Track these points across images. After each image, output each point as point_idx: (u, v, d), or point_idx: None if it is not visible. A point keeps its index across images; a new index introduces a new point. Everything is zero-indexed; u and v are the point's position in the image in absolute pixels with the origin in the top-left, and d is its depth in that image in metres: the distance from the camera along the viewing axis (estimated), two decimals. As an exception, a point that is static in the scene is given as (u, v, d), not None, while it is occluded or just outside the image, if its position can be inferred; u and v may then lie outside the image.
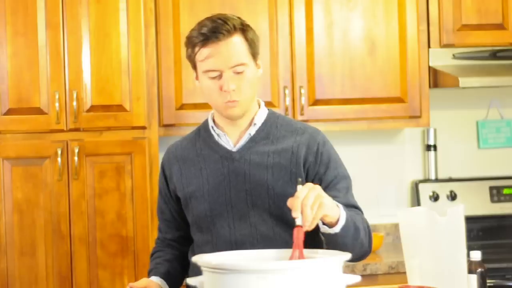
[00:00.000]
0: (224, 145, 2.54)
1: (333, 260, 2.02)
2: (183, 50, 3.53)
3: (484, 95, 4.47)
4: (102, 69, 3.70)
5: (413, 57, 4.06)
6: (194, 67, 2.52)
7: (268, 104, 3.95)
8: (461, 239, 2.33)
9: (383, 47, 4.04)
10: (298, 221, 2.15)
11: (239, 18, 2.51)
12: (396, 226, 4.25)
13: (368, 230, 2.57)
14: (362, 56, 4.04)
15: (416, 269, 2.38)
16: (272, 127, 2.56)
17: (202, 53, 2.46)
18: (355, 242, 2.45)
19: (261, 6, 3.97)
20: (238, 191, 2.49)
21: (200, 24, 2.50)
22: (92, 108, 3.70)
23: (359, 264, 3.75)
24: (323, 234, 2.40)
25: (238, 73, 2.45)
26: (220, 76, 2.45)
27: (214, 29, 2.45)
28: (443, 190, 4.34)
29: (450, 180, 4.38)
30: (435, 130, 4.40)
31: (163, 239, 2.72)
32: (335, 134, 4.33)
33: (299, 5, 3.99)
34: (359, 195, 4.33)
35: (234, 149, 2.53)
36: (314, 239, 2.51)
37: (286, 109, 3.96)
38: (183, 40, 3.90)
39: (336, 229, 2.34)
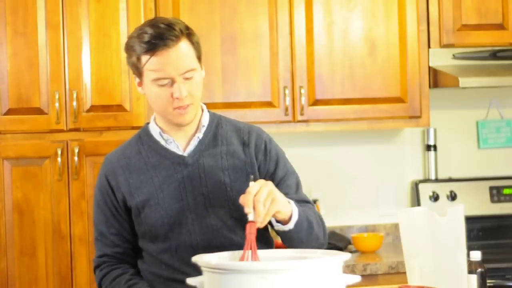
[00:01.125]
0: (173, 151, 2.49)
1: (333, 260, 2.02)
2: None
3: (484, 95, 4.47)
4: (102, 69, 3.70)
5: (413, 57, 4.06)
6: (139, 74, 2.43)
7: (268, 104, 3.96)
8: (461, 239, 2.33)
9: (383, 47, 4.04)
10: (250, 217, 2.15)
11: (181, 21, 2.45)
12: (396, 226, 4.25)
13: (322, 222, 2.52)
14: (362, 56, 4.04)
15: (416, 269, 2.38)
16: (218, 128, 2.54)
17: (152, 62, 2.37)
18: (310, 236, 2.43)
19: (261, 6, 3.97)
20: (195, 195, 2.45)
21: (142, 31, 2.40)
22: (92, 108, 3.70)
23: (359, 264, 3.75)
24: (277, 232, 2.40)
25: (188, 78, 2.40)
26: (170, 84, 2.39)
27: (161, 36, 2.36)
28: (443, 190, 4.34)
29: (450, 180, 4.38)
30: (435, 130, 4.40)
31: (113, 254, 2.55)
32: (335, 134, 4.33)
33: (299, 5, 3.99)
34: (359, 195, 4.36)
35: (185, 154, 2.48)
36: (264, 236, 2.51)
37: (286, 109, 3.96)
38: (183, 40, 3.93)
39: (290, 226, 2.34)
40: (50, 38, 3.67)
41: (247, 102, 3.95)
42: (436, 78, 4.13)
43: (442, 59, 4.14)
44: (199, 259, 2.10)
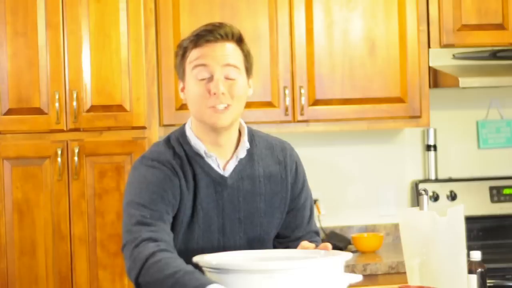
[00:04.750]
0: (215, 168, 2.38)
1: (336, 260, 2.02)
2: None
3: (484, 95, 4.47)
4: (102, 69, 3.70)
5: (413, 57, 4.06)
6: (183, 74, 2.37)
7: (268, 104, 3.96)
8: (461, 239, 2.33)
9: (383, 47, 4.04)
10: None
11: (238, 29, 2.38)
12: (396, 226, 4.25)
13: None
14: (362, 56, 4.04)
15: (416, 269, 2.38)
16: (253, 146, 2.44)
17: (195, 52, 2.32)
18: None
19: (261, 6, 3.97)
20: (232, 219, 2.38)
21: (195, 30, 2.36)
22: (92, 108, 3.70)
23: (359, 264, 3.75)
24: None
25: (230, 79, 2.32)
26: (210, 79, 2.31)
27: (210, 31, 2.33)
28: (443, 190, 4.34)
29: (450, 180, 4.38)
30: (435, 130, 4.40)
31: (170, 242, 2.29)
32: (335, 134, 4.33)
33: (299, 5, 3.99)
34: (359, 195, 4.36)
35: (226, 174, 2.39)
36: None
37: (286, 109, 3.96)
38: (183, 40, 3.93)
39: None
40: (50, 38, 3.67)
41: (247, 102, 3.92)
42: (436, 78, 4.13)
43: (442, 59, 4.14)
44: (200, 259, 2.09)
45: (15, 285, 3.63)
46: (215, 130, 2.35)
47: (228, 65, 2.32)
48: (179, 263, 2.15)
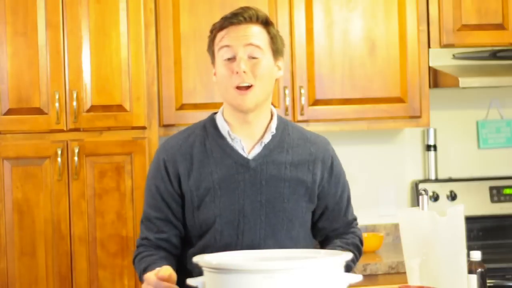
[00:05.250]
0: (238, 150, 2.45)
1: (336, 260, 2.02)
2: (183, 50, 3.55)
3: (484, 95, 4.47)
4: (102, 69, 3.70)
5: (413, 57, 4.06)
6: (213, 58, 2.47)
7: (268, 104, 3.95)
8: (461, 239, 2.33)
9: (383, 47, 4.04)
10: None
11: (265, 13, 2.47)
12: (396, 226, 4.25)
13: (360, 246, 2.63)
14: (362, 56, 4.04)
15: (416, 269, 2.38)
16: (284, 135, 2.51)
17: (221, 34, 2.42)
18: (355, 264, 2.54)
19: (261, 6, 3.94)
20: (252, 201, 2.43)
21: (224, 16, 2.47)
22: (92, 108, 3.70)
23: (359, 264, 3.75)
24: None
25: (254, 58, 2.40)
26: (233, 59, 2.39)
27: (236, 13, 2.42)
28: (443, 190, 4.34)
29: (450, 180, 4.38)
30: (435, 130, 4.40)
31: (154, 240, 2.50)
32: (335, 134, 4.33)
33: (299, 5, 3.99)
34: (359, 195, 4.36)
35: (250, 157, 2.45)
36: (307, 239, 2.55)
37: (286, 109, 3.96)
38: (183, 40, 3.93)
39: None
40: (50, 38, 3.67)
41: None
42: (436, 78, 4.13)
43: (442, 59, 4.14)
44: (200, 259, 2.09)
45: (15, 285, 3.63)
46: (242, 111, 2.43)
47: (250, 44, 2.40)
48: (143, 261, 2.44)
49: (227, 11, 3.90)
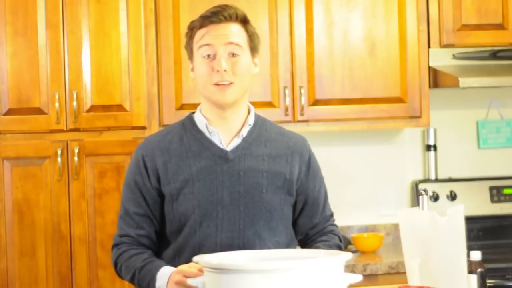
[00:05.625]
0: (216, 143, 2.51)
1: (336, 260, 2.02)
2: (183, 50, 3.53)
3: (484, 95, 4.47)
4: (102, 69, 3.70)
5: (413, 57, 4.06)
6: (191, 54, 2.52)
7: (268, 104, 3.96)
8: (461, 239, 2.33)
9: (383, 47, 4.04)
10: None
11: (243, 11, 2.53)
12: (396, 226, 4.25)
13: (340, 241, 2.65)
14: (362, 56, 4.04)
15: (416, 269, 2.38)
16: (262, 129, 2.57)
17: (201, 32, 2.47)
18: None
19: (261, 6, 3.97)
20: (231, 192, 2.47)
21: (203, 13, 2.52)
22: (92, 108, 3.70)
23: (359, 264, 3.75)
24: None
25: (233, 55, 2.46)
26: (213, 57, 2.45)
27: (216, 13, 2.47)
28: (443, 190, 4.33)
29: (450, 180, 4.38)
30: (435, 130, 4.40)
31: (135, 237, 2.55)
32: (335, 134, 4.33)
33: (299, 5, 3.99)
34: (359, 195, 4.36)
35: (228, 149, 2.51)
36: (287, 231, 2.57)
37: (286, 109, 3.96)
38: (183, 40, 3.91)
39: None
40: (50, 38, 3.67)
41: (247, 102, 3.94)
42: (436, 78, 4.13)
43: (442, 59, 4.14)
44: (200, 259, 2.09)
45: (15, 285, 3.63)
46: (220, 107, 2.49)
47: (230, 43, 2.46)
48: (133, 260, 2.48)
49: (227, 11, 3.93)
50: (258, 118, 2.59)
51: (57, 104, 3.66)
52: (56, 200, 3.65)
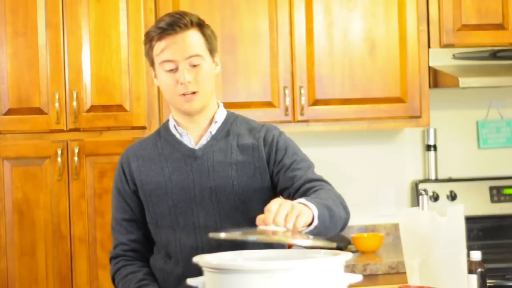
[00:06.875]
0: (186, 144, 2.56)
1: (336, 260, 2.02)
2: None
3: (484, 95, 4.47)
4: (102, 69, 3.70)
5: (413, 57, 4.06)
6: (152, 63, 2.56)
7: (268, 104, 3.96)
8: (461, 239, 2.33)
9: (383, 47, 4.04)
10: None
11: (196, 14, 2.58)
12: (396, 226, 4.25)
13: (338, 198, 2.45)
14: (362, 56, 4.04)
15: (416, 269, 2.38)
16: (232, 125, 2.60)
17: (159, 46, 2.50)
18: (334, 219, 2.34)
19: (261, 6, 3.97)
20: (203, 189, 2.51)
21: (158, 20, 2.56)
22: (92, 108, 3.70)
23: (359, 264, 3.75)
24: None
25: (194, 65, 2.49)
26: (176, 69, 2.49)
27: (171, 23, 2.50)
28: (443, 190, 4.34)
29: (450, 180, 4.38)
30: (435, 130, 4.40)
31: (128, 243, 2.64)
32: (335, 134, 4.34)
33: (299, 5, 3.99)
34: (359, 195, 4.36)
35: (196, 147, 2.55)
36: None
37: (286, 109, 3.96)
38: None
39: (314, 223, 2.23)
40: (50, 38, 3.67)
41: (247, 102, 3.95)
42: (436, 78, 4.13)
43: (442, 59, 4.14)
44: (200, 259, 2.09)
45: (15, 285, 3.64)
46: (189, 114, 2.55)
47: (190, 56, 2.49)
48: (129, 279, 2.56)
49: (227, 11, 3.94)
50: (230, 115, 2.63)
51: (57, 104, 3.66)
52: (56, 200, 3.65)
